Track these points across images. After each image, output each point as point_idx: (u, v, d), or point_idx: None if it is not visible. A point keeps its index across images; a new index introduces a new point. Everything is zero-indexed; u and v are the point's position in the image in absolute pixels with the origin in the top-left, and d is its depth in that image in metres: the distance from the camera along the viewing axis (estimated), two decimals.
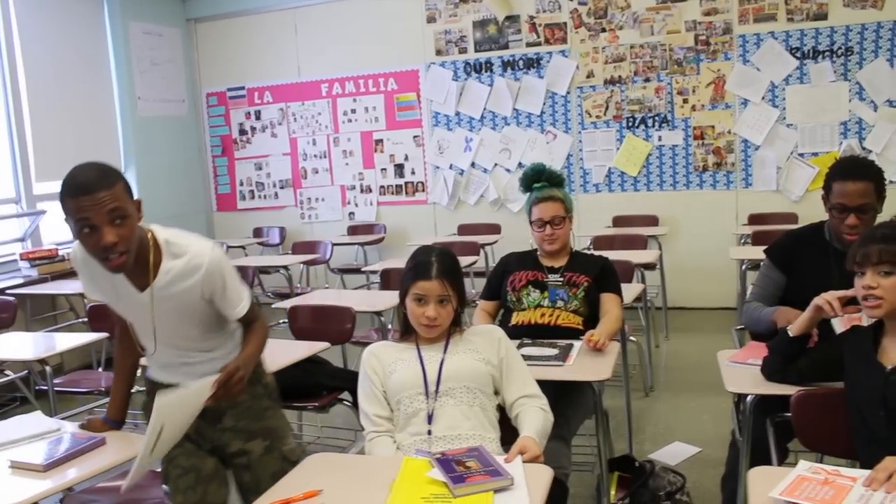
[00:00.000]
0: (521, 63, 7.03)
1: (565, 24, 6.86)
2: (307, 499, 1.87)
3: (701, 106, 6.59)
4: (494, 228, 6.83)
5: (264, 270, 6.67)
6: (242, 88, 8.15)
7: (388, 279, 5.00)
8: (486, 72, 7.16)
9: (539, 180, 3.42)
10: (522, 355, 2.77)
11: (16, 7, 6.38)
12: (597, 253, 3.55)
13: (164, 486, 2.46)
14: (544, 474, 1.93)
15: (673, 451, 3.93)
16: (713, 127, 6.57)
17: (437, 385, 2.29)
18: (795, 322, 2.38)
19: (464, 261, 5.48)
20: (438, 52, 7.30)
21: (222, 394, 2.09)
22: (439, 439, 2.23)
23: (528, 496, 1.80)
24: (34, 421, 2.52)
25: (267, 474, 2.35)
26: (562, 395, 2.85)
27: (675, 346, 5.87)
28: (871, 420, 2.08)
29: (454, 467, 1.89)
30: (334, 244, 6.79)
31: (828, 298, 2.27)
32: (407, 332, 2.44)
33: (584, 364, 2.78)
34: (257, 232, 8.07)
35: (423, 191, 7.57)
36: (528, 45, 6.99)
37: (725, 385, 2.52)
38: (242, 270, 5.54)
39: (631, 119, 6.79)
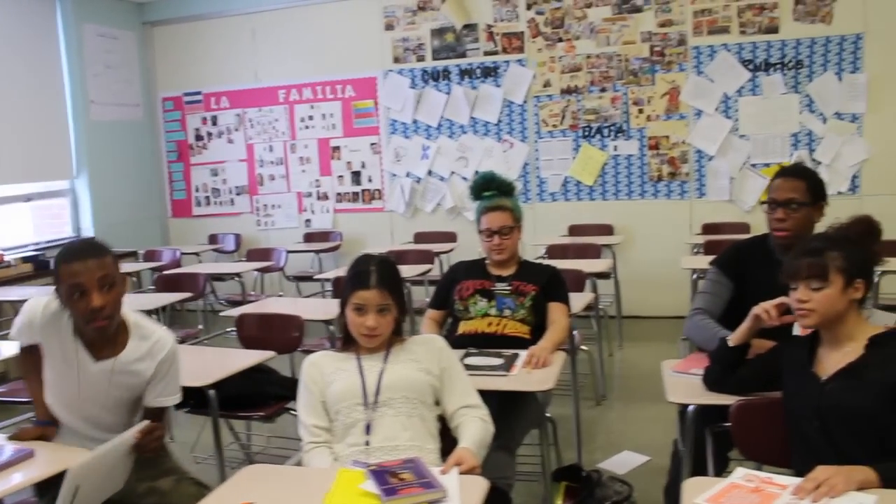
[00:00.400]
0: (478, 71, 7.04)
1: (522, 33, 6.88)
2: None
3: (656, 116, 6.64)
4: (450, 237, 6.82)
5: (219, 277, 6.58)
6: (199, 93, 8.05)
7: (341, 287, 4.93)
8: (443, 80, 7.15)
9: (489, 189, 3.42)
10: (467, 365, 2.76)
11: None
12: (546, 262, 3.54)
13: None
14: (479, 486, 1.92)
15: (622, 460, 3.94)
16: (668, 137, 6.63)
17: (376, 396, 2.26)
18: (735, 332, 2.40)
19: (418, 269, 5.50)
20: (396, 60, 7.28)
21: (142, 445, 2.23)
22: (377, 450, 2.20)
23: None
24: None
25: (185, 500, 2.36)
26: (507, 405, 2.84)
27: (628, 355, 5.90)
28: (806, 430, 2.09)
29: (388, 479, 1.87)
30: (289, 251, 6.73)
31: (765, 307, 2.30)
32: (348, 342, 2.42)
33: (530, 374, 2.77)
34: (212, 238, 7.97)
35: (380, 198, 7.53)
36: (486, 53, 7.00)
37: (667, 395, 2.52)
38: (194, 277, 5.49)
39: (587, 128, 6.82)
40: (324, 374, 2.34)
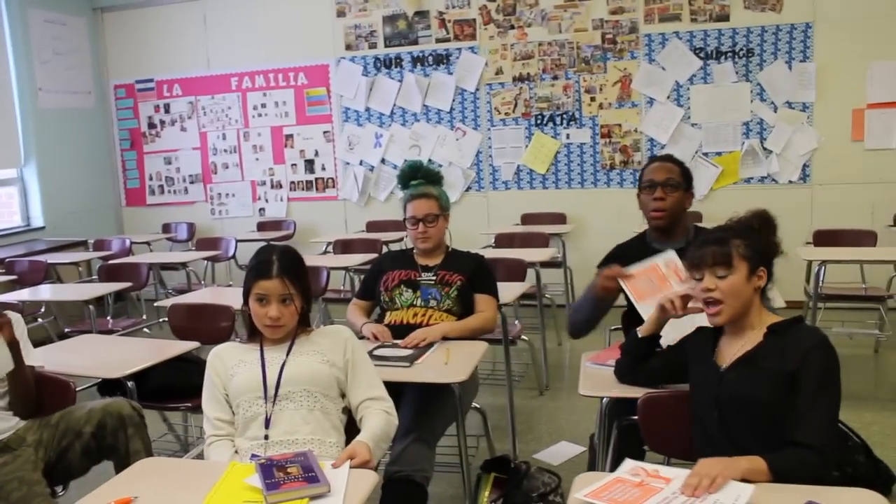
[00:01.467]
0: (430, 59, 6.98)
1: (475, 20, 6.83)
2: None
3: (608, 104, 6.62)
4: (401, 226, 6.74)
5: (170, 267, 6.52)
6: (151, 81, 7.93)
7: None
8: (395, 67, 7.09)
9: (416, 177, 3.40)
10: (376, 356, 2.73)
11: None
12: (476, 251, 3.50)
13: None
14: (368, 479, 1.89)
15: (557, 450, 3.92)
16: (620, 125, 6.62)
17: (276, 389, 2.22)
18: (644, 324, 2.39)
19: (364, 258, 5.45)
20: (348, 47, 7.20)
21: None
22: (276, 444, 2.16)
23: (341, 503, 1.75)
24: None
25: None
26: (426, 397, 2.81)
27: (577, 345, 5.81)
28: (706, 421, 2.08)
29: (274, 473, 1.83)
30: (240, 241, 6.65)
31: (670, 297, 2.28)
32: (253, 335, 2.37)
33: (450, 365, 2.73)
34: (166, 227, 7.88)
35: (334, 187, 7.47)
36: (438, 41, 6.95)
37: (579, 387, 2.50)
38: (136, 267, 5.41)
39: (540, 117, 6.79)
40: (227, 366, 2.30)
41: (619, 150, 6.64)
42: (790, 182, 6.28)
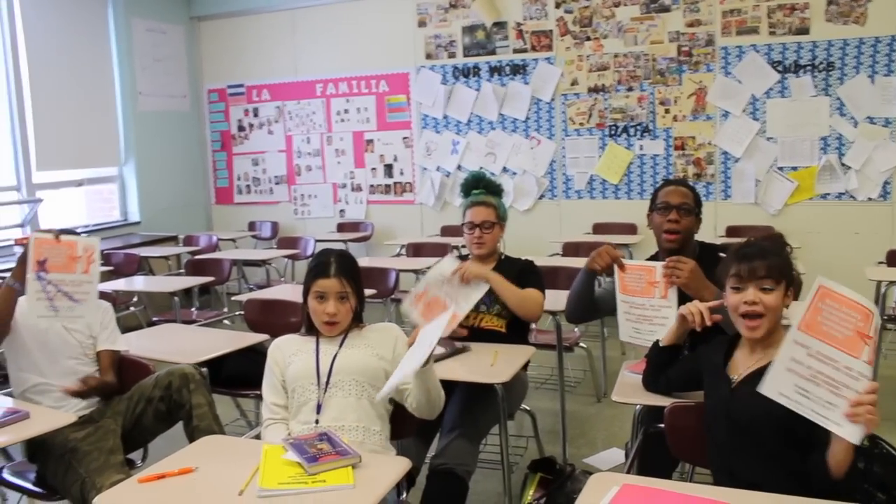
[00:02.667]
0: (507, 69, 7.14)
1: (551, 31, 6.95)
2: (181, 474, 2.03)
3: (682, 116, 6.64)
4: None
5: (253, 263, 6.86)
6: (242, 86, 8.34)
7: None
8: (473, 76, 7.28)
9: (478, 187, 3.54)
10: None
11: (20, 1, 6.61)
12: (524, 258, 3.59)
13: None
14: (400, 464, 2.06)
15: (607, 457, 4.01)
16: (694, 138, 6.63)
17: (328, 377, 2.42)
18: (665, 334, 2.47)
19: (435, 261, 5.62)
20: (428, 56, 7.43)
21: None
22: (325, 429, 2.35)
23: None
24: None
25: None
26: (473, 396, 2.97)
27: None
28: (714, 430, 2.14)
29: (307, 450, 2.03)
30: (318, 241, 6.93)
31: (691, 309, 2.33)
32: (310, 331, 2.57)
33: (496, 367, 2.88)
34: (251, 225, 8.27)
35: (411, 191, 7.71)
36: (515, 51, 7.10)
37: (612, 394, 2.61)
38: (219, 263, 5.73)
39: (613, 127, 6.86)
40: (285, 355, 2.51)
41: (693, 163, 6.65)
42: (869, 199, 6.15)
